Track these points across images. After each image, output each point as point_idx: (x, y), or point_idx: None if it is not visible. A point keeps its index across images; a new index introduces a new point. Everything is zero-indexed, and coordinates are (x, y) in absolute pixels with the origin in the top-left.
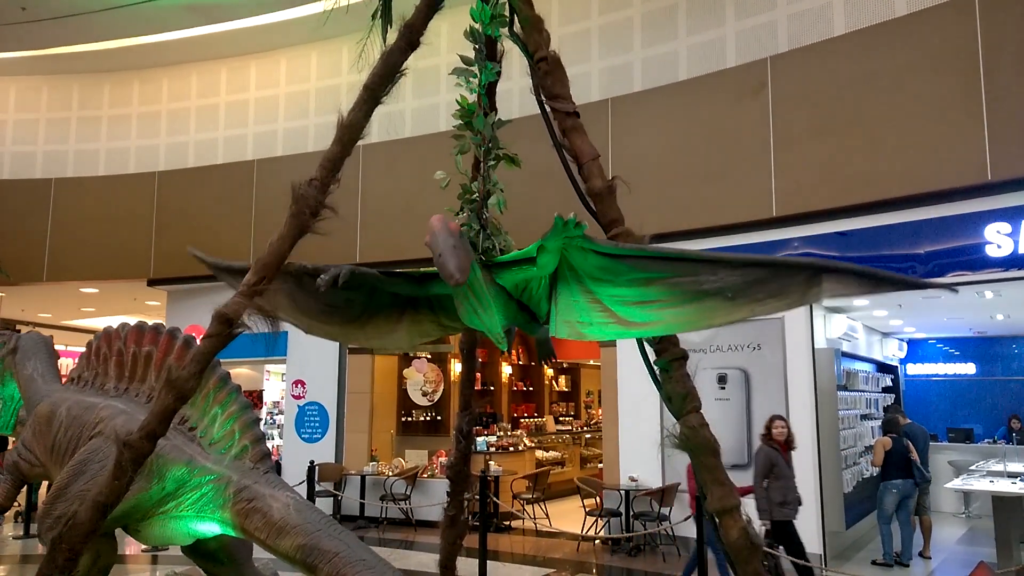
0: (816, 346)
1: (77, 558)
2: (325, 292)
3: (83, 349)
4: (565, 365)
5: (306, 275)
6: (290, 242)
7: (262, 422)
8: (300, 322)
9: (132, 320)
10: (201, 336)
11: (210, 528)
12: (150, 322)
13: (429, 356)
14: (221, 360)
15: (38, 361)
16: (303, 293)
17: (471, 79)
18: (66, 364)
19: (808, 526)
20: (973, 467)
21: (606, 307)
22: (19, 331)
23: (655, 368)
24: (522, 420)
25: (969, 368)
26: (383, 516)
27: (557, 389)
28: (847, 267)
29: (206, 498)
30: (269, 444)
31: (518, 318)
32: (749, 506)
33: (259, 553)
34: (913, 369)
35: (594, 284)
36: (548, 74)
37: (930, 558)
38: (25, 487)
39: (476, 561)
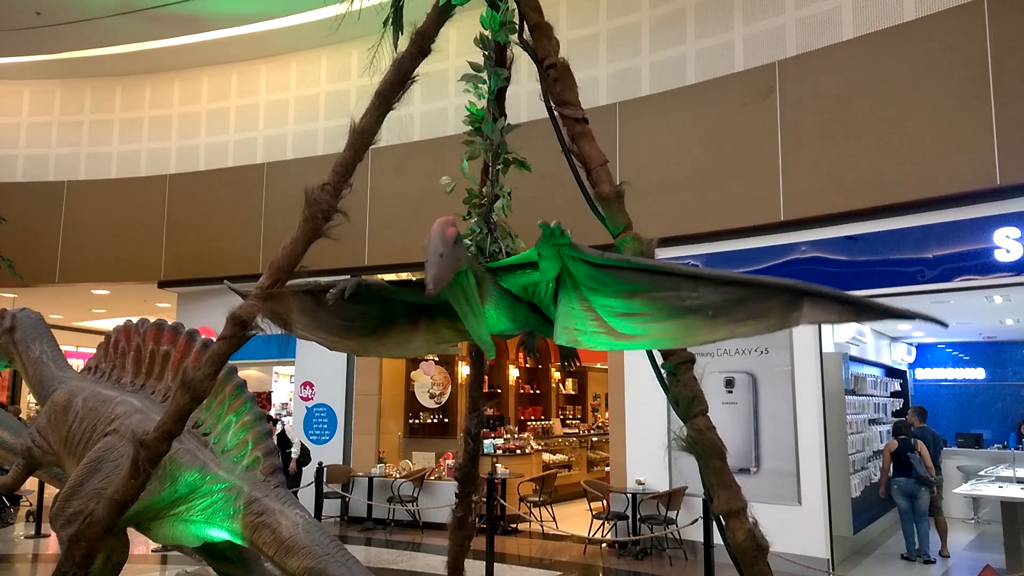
0: (824, 350)
1: (94, 555)
2: (340, 307)
3: (95, 349)
4: (573, 368)
5: (322, 293)
6: (303, 246)
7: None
8: (324, 340)
9: (151, 317)
10: (215, 338)
11: (219, 535)
12: (169, 321)
13: (436, 359)
14: (230, 360)
15: (44, 343)
16: (322, 311)
17: (480, 85)
18: (76, 366)
19: (815, 530)
20: (982, 472)
21: (599, 316)
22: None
23: (662, 371)
24: (529, 423)
25: (979, 373)
26: (390, 518)
27: (564, 392)
28: (829, 292)
29: (216, 506)
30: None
31: (530, 320)
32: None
33: None
34: (922, 374)
35: (588, 292)
36: (557, 80)
37: (948, 556)
38: (37, 488)
39: (483, 564)
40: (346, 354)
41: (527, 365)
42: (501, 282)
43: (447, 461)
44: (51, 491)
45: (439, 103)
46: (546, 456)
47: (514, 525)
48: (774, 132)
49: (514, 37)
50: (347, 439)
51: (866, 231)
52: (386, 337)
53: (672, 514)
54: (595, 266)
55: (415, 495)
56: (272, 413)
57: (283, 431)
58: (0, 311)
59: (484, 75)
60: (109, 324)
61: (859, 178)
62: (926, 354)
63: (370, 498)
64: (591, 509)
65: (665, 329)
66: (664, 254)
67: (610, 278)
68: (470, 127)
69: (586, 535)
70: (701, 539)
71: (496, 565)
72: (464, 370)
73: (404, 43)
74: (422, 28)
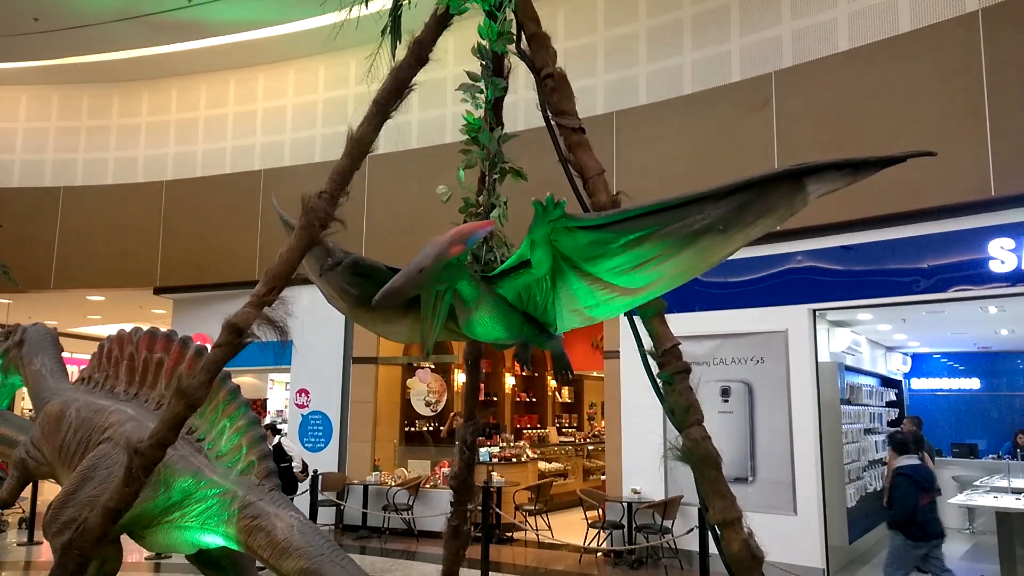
0: (819, 360)
1: (87, 563)
2: (341, 271)
3: (90, 355)
4: (568, 379)
5: (331, 255)
6: (300, 253)
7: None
8: (324, 291)
9: (144, 325)
10: (211, 346)
11: (214, 540)
12: (162, 328)
13: (433, 366)
14: (225, 367)
15: (45, 356)
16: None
17: (477, 95)
18: (72, 372)
19: (810, 540)
20: (977, 483)
21: (607, 283)
22: None
23: (658, 381)
24: (525, 431)
25: (974, 383)
26: (385, 526)
27: (560, 400)
28: (825, 163)
29: (211, 511)
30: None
31: (525, 330)
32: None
33: None
34: (917, 383)
35: (589, 264)
36: (554, 90)
37: None
38: (30, 494)
39: (478, 572)
40: (341, 361)
41: (523, 373)
42: (497, 289)
43: (443, 469)
44: (44, 498)
45: (436, 111)
46: (542, 464)
47: (509, 534)
48: (770, 142)
49: (512, 47)
50: (342, 447)
51: (862, 241)
52: (375, 313)
53: (668, 523)
54: (595, 228)
55: (410, 503)
56: (270, 422)
57: (279, 443)
58: (13, 326)
59: (481, 85)
60: (104, 330)
61: (854, 188)
62: (921, 364)
63: (365, 506)
64: (587, 518)
65: (680, 262)
66: None
67: (612, 235)
68: (467, 136)
69: (582, 544)
70: (697, 549)
71: (491, 574)
72: (460, 378)
73: (402, 52)
74: (420, 37)
